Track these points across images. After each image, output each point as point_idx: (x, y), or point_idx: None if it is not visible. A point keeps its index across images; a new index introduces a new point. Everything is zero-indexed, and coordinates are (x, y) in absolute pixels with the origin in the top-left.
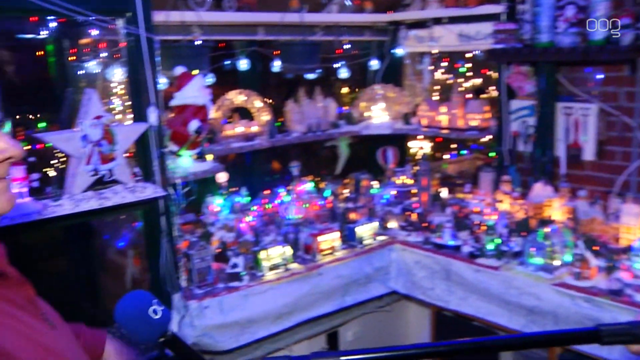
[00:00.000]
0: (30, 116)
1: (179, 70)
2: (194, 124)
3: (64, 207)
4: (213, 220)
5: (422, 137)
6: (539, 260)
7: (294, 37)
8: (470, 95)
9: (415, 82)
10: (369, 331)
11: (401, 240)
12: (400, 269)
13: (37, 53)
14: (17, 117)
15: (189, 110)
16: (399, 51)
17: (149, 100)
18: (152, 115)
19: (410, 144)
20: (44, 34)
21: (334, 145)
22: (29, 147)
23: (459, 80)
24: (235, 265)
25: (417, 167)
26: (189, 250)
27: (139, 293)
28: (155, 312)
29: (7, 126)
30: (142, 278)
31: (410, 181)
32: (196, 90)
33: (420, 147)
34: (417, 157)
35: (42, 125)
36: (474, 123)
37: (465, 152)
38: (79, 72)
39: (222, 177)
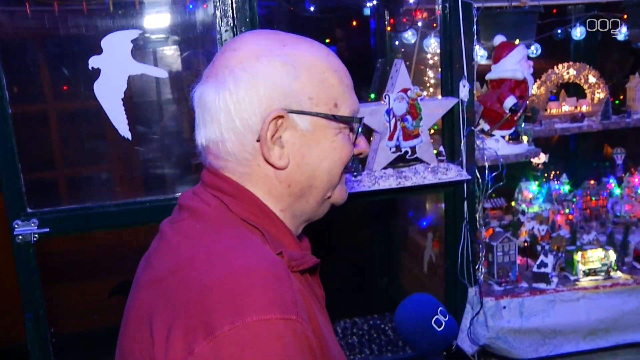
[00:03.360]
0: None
1: (498, 39)
2: (509, 101)
3: (363, 183)
4: (525, 208)
5: None
6: None
7: None
8: None
9: None
10: None
11: None
12: None
13: (361, 24)
14: None
15: (505, 85)
16: None
17: (461, 73)
18: (463, 89)
19: None
20: (369, 5)
21: None
22: None
23: None
24: (543, 264)
25: None
26: (492, 241)
27: (424, 298)
28: (438, 322)
29: None
30: (438, 263)
31: None
32: (516, 62)
33: None
34: None
35: (372, 96)
36: None
37: None
38: (396, 43)
39: (539, 157)
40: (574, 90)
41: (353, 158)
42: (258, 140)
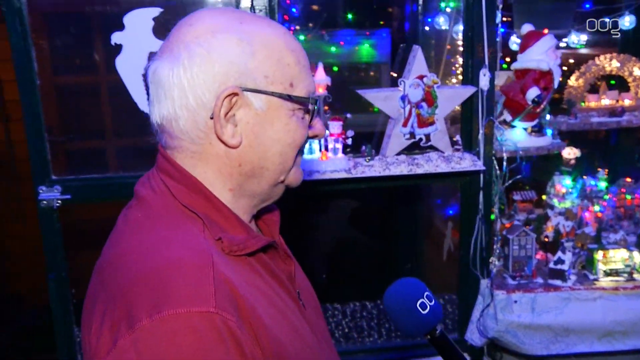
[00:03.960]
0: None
1: (526, 28)
2: (532, 92)
3: (374, 168)
4: (557, 202)
5: None
6: None
7: None
8: None
9: None
10: None
11: None
12: None
13: (396, 8)
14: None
15: (529, 76)
16: None
17: (482, 62)
18: (484, 78)
19: None
20: None
21: None
22: None
23: None
24: (560, 261)
25: None
26: (509, 233)
27: (412, 282)
28: (423, 305)
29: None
30: (456, 254)
31: None
32: (542, 52)
33: None
34: None
35: None
36: None
37: None
38: (426, 28)
39: (569, 152)
40: (619, 83)
41: (308, 140)
42: (212, 118)
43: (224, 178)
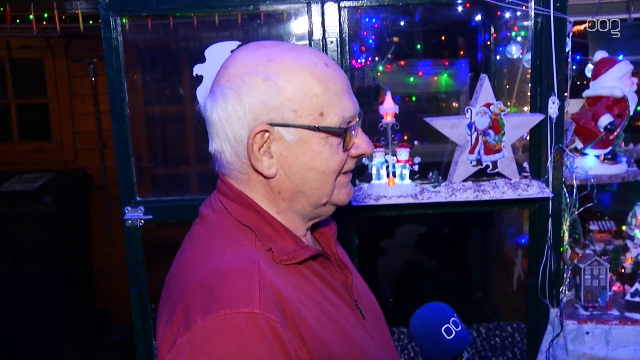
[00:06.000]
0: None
1: (599, 55)
2: (605, 119)
3: (440, 194)
4: (639, 232)
5: None
6: None
7: None
8: None
9: None
10: None
11: None
12: None
13: (469, 38)
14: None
15: (601, 103)
16: None
17: (551, 89)
18: (552, 106)
19: None
20: (477, 19)
21: None
22: None
23: None
24: (638, 293)
25: None
26: (580, 263)
27: (438, 306)
28: (448, 331)
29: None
30: (526, 282)
31: None
32: (617, 79)
33: None
34: None
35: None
36: None
37: None
38: (497, 58)
39: None
40: None
41: (360, 159)
42: None
43: (270, 203)
